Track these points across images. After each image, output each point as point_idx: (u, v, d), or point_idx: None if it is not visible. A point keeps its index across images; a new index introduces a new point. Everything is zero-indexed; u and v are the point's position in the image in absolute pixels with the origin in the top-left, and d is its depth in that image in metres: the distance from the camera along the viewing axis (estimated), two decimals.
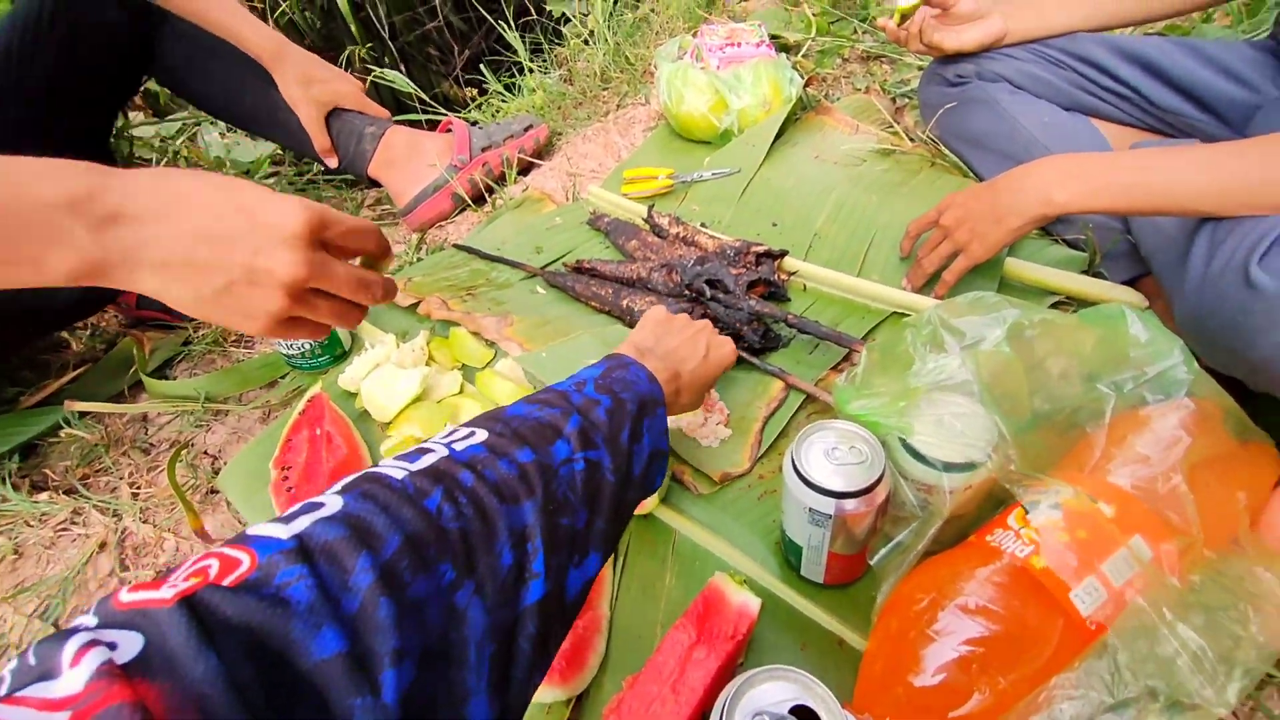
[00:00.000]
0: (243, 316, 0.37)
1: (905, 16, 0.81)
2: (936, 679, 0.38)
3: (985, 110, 0.80)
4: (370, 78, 1.31)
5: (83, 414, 0.64)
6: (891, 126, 0.97)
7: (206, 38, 0.83)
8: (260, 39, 0.83)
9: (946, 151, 0.89)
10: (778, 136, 0.95)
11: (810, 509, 0.43)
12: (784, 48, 1.16)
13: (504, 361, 0.68)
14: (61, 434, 0.62)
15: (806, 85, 1.04)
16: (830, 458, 0.43)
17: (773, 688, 0.32)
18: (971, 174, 0.86)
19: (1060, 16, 0.79)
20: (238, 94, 0.89)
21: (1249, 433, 0.45)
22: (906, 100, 1.03)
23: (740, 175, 0.92)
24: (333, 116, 0.92)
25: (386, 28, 1.88)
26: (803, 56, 1.14)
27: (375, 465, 0.29)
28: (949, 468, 0.42)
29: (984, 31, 0.79)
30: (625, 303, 0.73)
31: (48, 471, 0.61)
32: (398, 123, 0.97)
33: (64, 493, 0.59)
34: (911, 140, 0.95)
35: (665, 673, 0.39)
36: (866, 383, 0.47)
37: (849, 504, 0.42)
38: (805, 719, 0.32)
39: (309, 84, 0.87)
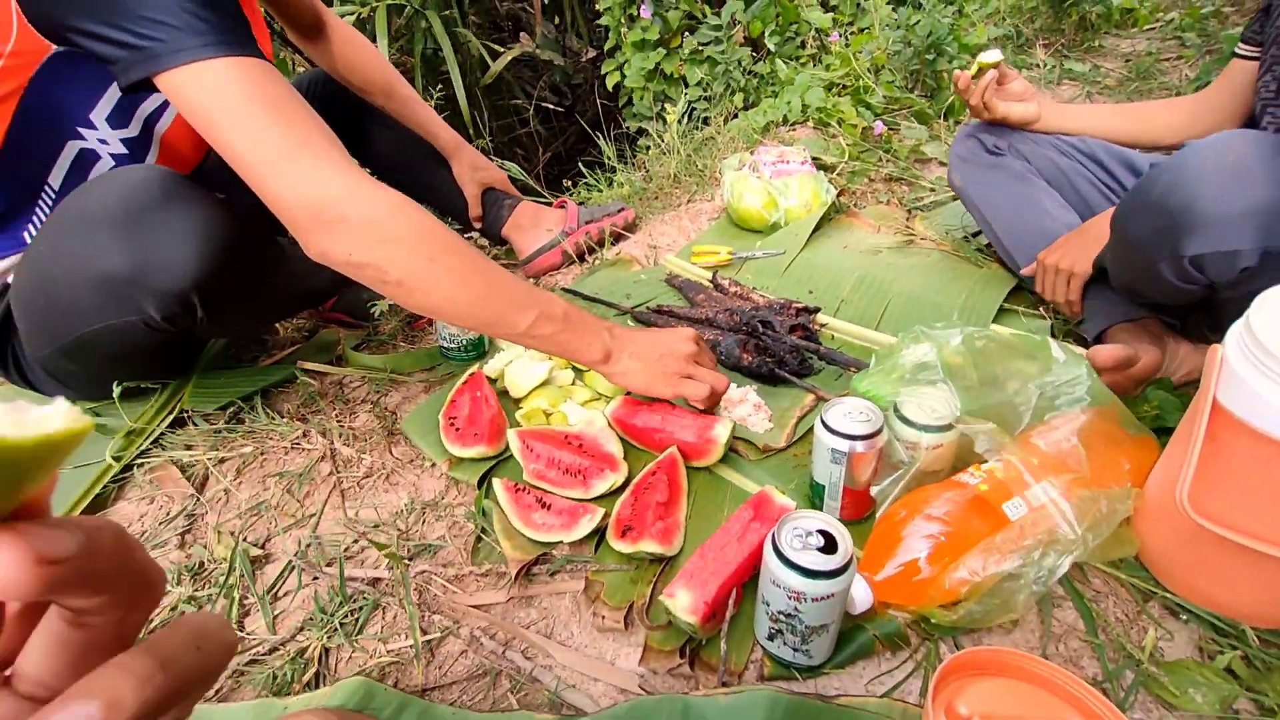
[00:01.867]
0: (664, 376, 0.72)
1: (982, 70, 1.02)
2: (907, 557, 0.57)
3: (1011, 179, 1.02)
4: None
5: (305, 371, 0.89)
6: (905, 229, 1.24)
7: (403, 130, 1.16)
8: (447, 136, 1.16)
9: (947, 246, 1.14)
10: (815, 230, 1.23)
11: (832, 449, 0.64)
12: (822, 166, 1.47)
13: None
14: (295, 383, 0.87)
15: (839, 195, 1.33)
16: (847, 416, 0.65)
17: (806, 519, 0.53)
18: (968, 259, 1.10)
19: (1081, 122, 1.01)
20: (417, 169, 1.21)
21: (1136, 429, 0.65)
22: (919, 211, 1.31)
23: (785, 255, 1.19)
24: (484, 193, 1.23)
25: (488, 130, 2.30)
26: (837, 174, 1.45)
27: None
28: (925, 429, 0.64)
29: (1025, 111, 1.01)
30: None
31: (283, 407, 0.85)
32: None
33: (295, 420, 0.83)
34: (920, 239, 1.21)
35: (732, 532, 0.59)
36: (871, 374, 0.69)
37: (859, 445, 0.63)
38: (828, 541, 0.52)
39: (475, 170, 1.19)
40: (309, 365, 0.89)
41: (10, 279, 0.75)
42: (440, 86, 1.98)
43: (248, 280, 0.71)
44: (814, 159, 1.42)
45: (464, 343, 0.94)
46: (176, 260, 0.62)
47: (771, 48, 1.85)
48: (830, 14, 2.02)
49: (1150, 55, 1.95)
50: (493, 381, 0.91)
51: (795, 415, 0.83)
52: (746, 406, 0.84)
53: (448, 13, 2.06)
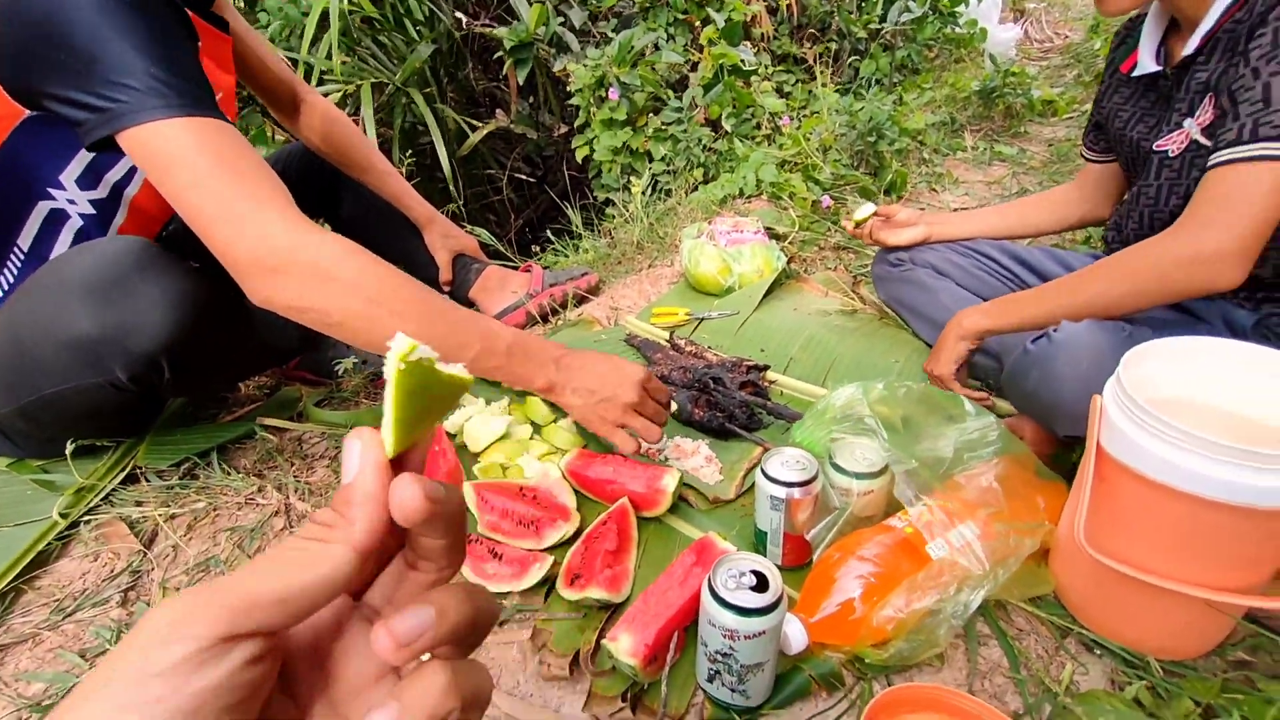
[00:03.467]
0: (600, 420, 0.75)
1: (860, 222, 1.19)
2: (841, 598, 0.60)
3: (918, 289, 1.15)
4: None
5: (265, 427, 0.90)
6: (851, 295, 1.33)
7: (377, 200, 1.22)
8: (420, 207, 1.22)
9: (889, 312, 1.23)
10: (767, 293, 1.31)
11: (771, 496, 0.68)
12: (775, 236, 1.57)
13: (565, 420, 0.95)
14: (254, 439, 0.88)
15: (790, 262, 1.42)
16: (785, 465, 0.69)
17: (740, 561, 0.56)
18: (906, 328, 1.19)
19: (966, 228, 1.16)
20: (390, 238, 1.26)
21: (1048, 475, 0.71)
22: (863, 277, 1.41)
23: (738, 316, 1.26)
24: (455, 259, 1.29)
25: (462, 197, 2.40)
26: (788, 243, 1.55)
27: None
28: (857, 475, 0.68)
29: (913, 235, 1.17)
30: None
31: (240, 463, 0.86)
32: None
33: (251, 475, 0.84)
34: (864, 304, 1.30)
35: (675, 576, 0.61)
36: (806, 424, 0.74)
37: (796, 491, 0.67)
38: (760, 580, 0.55)
39: (446, 238, 1.26)
40: (269, 421, 0.90)
41: None
42: (414, 156, 2.08)
43: (215, 342, 0.74)
44: (767, 229, 1.52)
45: None
46: (147, 324, 0.64)
47: (729, 128, 2.00)
48: (783, 100, 2.21)
49: (1069, 141, 2.16)
50: (452, 436, 0.93)
51: (744, 467, 0.87)
52: (698, 459, 0.87)
53: (428, 90, 2.19)
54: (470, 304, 1.32)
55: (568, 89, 2.26)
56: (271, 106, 1.08)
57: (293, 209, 0.65)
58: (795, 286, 1.37)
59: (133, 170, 0.80)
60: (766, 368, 1.07)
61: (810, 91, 2.48)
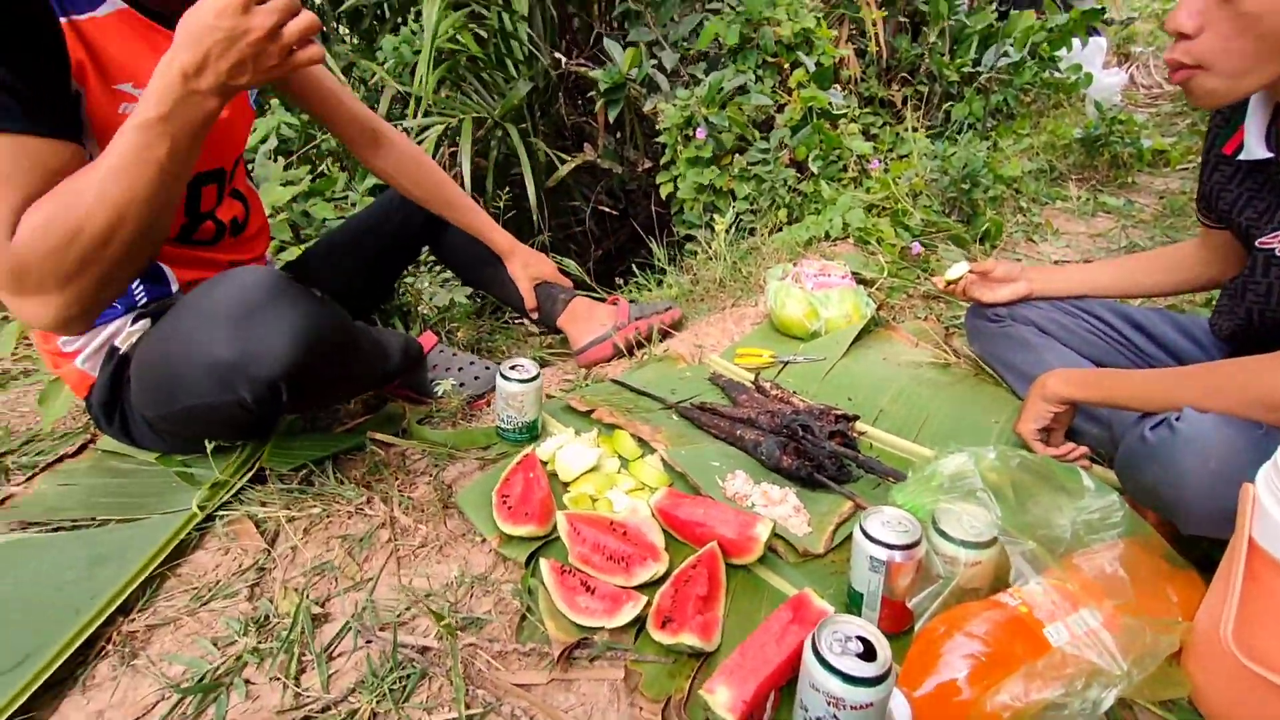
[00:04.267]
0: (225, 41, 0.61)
1: (952, 282, 1.16)
2: (946, 676, 0.58)
3: (1019, 346, 1.10)
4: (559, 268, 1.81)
5: (374, 440, 0.96)
6: (944, 347, 1.29)
7: (468, 235, 1.28)
8: (502, 239, 1.27)
9: (986, 368, 1.19)
10: (855, 340, 1.29)
11: (871, 557, 0.66)
12: (862, 281, 1.55)
13: (653, 456, 0.96)
14: (364, 452, 0.94)
15: (878, 309, 1.40)
16: (886, 525, 0.67)
17: (846, 624, 0.55)
18: (1004, 385, 1.14)
19: (1072, 286, 1.11)
20: (482, 267, 1.33)
21: (1178, 562, 0.66)
22: (956, 329, 1.37)
23: (826, 362, 1.24)
24: (538, 285, 1.34)
25: (546, 226, 2.49)
26: (876, 289, 1.53)
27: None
28: (964, 544, 0.66)
29: (1013, 292, 1.12)
30: (739, 432, 1.02)
31: (351, 473, 0.92)
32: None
33: (360, 486, 0.89)
34: (957, 357, 1.26)
35: (771, 632, 0.61)
36: (909, 486, 0.72)
37: (898, 555, 0.65)
38: (867, 648, 0.53)
39: (527, 267, 1.31)
40: (378, 436, 0.96)
41: (117, 341, 0.86)
42: (509, 190, 2.18)
43: (327, 368, 0.79)
44: (854, 274, 1.50)
45: (520, 425, 1.00)
46: (270, 352, 0.70)
47: (815, 170, 2.00)
48: (871, 142, 2.20)
49: (1184, 194, 2.04)
50: (544, 464, 0.96)
51: (834, 521, 0.86)
52: (786, 508, 0.86)
53: (523, 125, 2.31)
54: (558, 331, 1.37)
55: (655, 126, 2.33)
56: (349, 144, 1.11)
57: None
58: (884, 335, 1.34)
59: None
60: (856, 418, 1.05)
61: (898, 134, 2.46)
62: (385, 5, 2.53)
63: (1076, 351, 1.06)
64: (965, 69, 2.65)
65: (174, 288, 0.92)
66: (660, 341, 1.38)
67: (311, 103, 1.06)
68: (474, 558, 0.80)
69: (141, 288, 0.89)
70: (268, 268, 0.74)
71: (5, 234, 0.62)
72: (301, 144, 2.01)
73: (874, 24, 2.53)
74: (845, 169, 2.09)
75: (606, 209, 2.99)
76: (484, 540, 0.82)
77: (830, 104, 2.03)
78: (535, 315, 1.34)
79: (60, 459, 0.90)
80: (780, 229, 1.98)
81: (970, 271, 1.14)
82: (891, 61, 2.75)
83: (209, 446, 0.83)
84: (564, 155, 2.58)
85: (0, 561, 0.73)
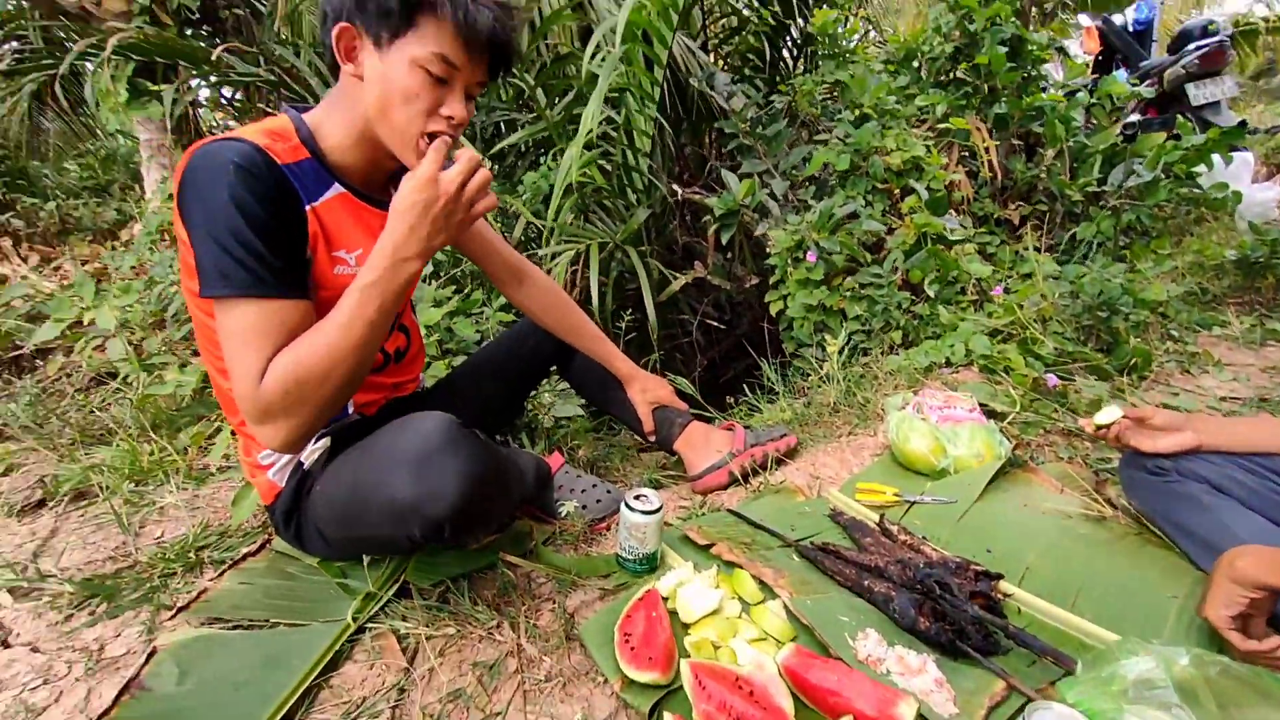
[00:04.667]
0: (424, 210, 0.77)
1: (1103, 426, 1.08)
2: None
3: (1191, 506, 0.96)
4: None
5: (505, 561, 1.01)
6: (1095, 497, 1.18)
7: (592, 360, 1.38)
8: (623, 365, 1.35)
9: (1149, 526, 1.07)
10: (990, 482, 1.21)
11: None
12: (991, 413, 1.47)
13: (775, 602, 0.94)
14: (495, 570, 0.99)
15: (1014, 448, 1.32)
16: None
17: None
18: (1177, 551, 1.01)
19: (1253, 439, 0.97)
20: (604, 390, 1.41)
21: None
22: (1109, 476, 1.25)
23: (957, 505, 1.17)
24: (656, 409, 1.39)
25: (656, 337, 2.60)
26: (1008, 423, 1.44)
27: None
28: None
29: (1177, 443, 0.99)
30: (866, 583, 0.97)
31: (483, 593, 0.96)
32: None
33: (490, 608, 0.93)
34: (1114, 509, 1.14)
35: None
36: (1083, 681, 0.65)
37: None
38: None
39: (645, 392, 1.37)
40: (508, 557, 1.01)
41: (303, 457, 0.98)
42: (630, 310, 2.33)
43: (486, 506, 0.85)
44: (982, 405, 1.44)
45: (640, 555, 1.02)
46: (442, 496, 0.77)
47: (931, 294, 1.99)
48: (989, 265, 2.15)
49: None
50: (664, 600, 0.96)
51: (985, 703, 0.78)
52: (926, 679, 0.80)
53: (642, 248, 2.49)
54: (674, 453, 1.40)
55: (764, 245, 2.43)
56: (496, 280, 1.27)
57: (256, 369, 0.76)
58: (1023, 477, 1.26)
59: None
60: (999, 577, 0.97)
61: (1018, 254, 2.40)
62: (526, 145, 2.90)
63: (1266, 517, 0.93)
64: (1089, 188, 2.58)
65: (350, 409, 1.06)
66: (776, 469, 1.37)
67: (472, 248, 1.23)
68: (597, 700, 0.80)
69: None
70: (442, 415, 0.82)
71: (257, 380, 0.76)
72: (450, 266, 2.28)
73: (986, 150, 2.55)
74: (963, 291, 2.06)
75: (713, 322, 3.09)
76: (606, 681, 0.82)
77: (947, 230, 2.04)
78: (653, 438, 1.39)
79: (244, 557, 1.02)
80: (894, 350, 1.95)
81: (1125, 417, 1.06)
82: (1006, 182, 2.73)
83: (365, 560, 0.92)
84: (675, 273, 2.74)
85: (192, 655, 0.83)
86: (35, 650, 0.86)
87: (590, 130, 2.04)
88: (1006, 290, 2.00)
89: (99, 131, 4.56)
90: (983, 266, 2.06)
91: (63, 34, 3.92)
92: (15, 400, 1.51)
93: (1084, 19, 3.30)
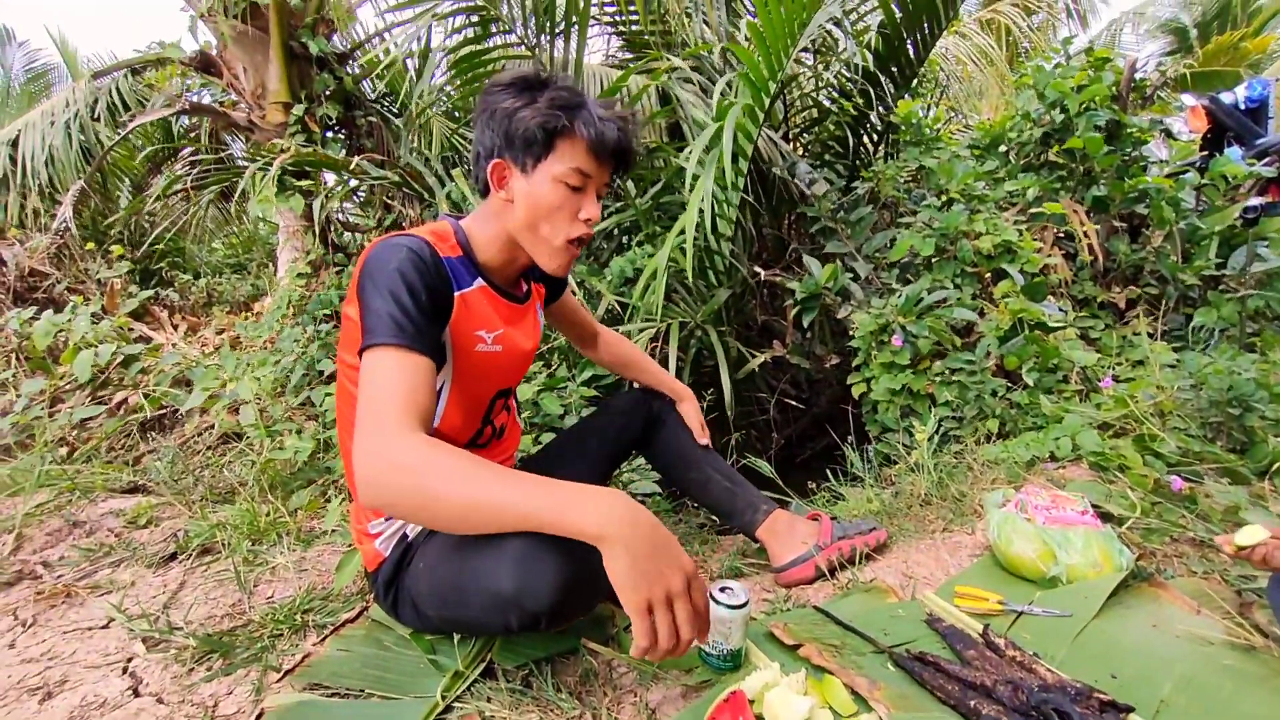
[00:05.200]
0: (634, 590, 0.71)
1: (1245, 548, 0.97)
2: None
3: None
4: (744, 464, 1.87)
5: (587, 647, 1.01)
6: (1241, 622, 1.04)
7: (674, 441, 1.40)
8: (675, 385, 1.44)
9: None
10: (1110, 596, 1.10)
11: None
12: (1106, 517, 1.35)
13: (871, 716, 0.88)
14: (577, 655, 0.99)
15: (1138, 559, 1.20)
16: None
17: None
18: None
19: None
20: (684, 470, 1.41)
21: None
22: (1255, 597, 1.11)
23: (1073, 620, 1.07)
24: (740, 491, 1.37)
25: (731, 414, 2.58)
26: (1127, 528, 1.32)
27: None
28: None
29: None
30: (973, 704, 0.89)
31: (565, 678, 0.96)
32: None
33: (572, 695, 0.92)
34: (1264, 637, 1.00)
35: None
36: None
37: None
38: None
39: (699, 410, 1.42)
40: (590, 644, 1.01)
41: (408, 529, 1.04)
42: (710, 390, 2.35)
43: (580, 598, 0.86)
44: (1094, 506, 1.32)
45: (725, 652, 0.99)
46: (543, 591, 0.79)
47: (1030, 382, 1.89)
48: (1094, 351, 2.03)
49: None
50: (750, 702, 0.92)
51: None
52: None
53: (722, 329, 2.53)
54: (757, 541, 1.37)
55: (845, 325, 2.41)
56: (576, 341, 1.45)
57: (411, 422, 0.77)
58: (1149, 593, 1.13)
59: (444, 375, 1.01)
60: (1129, 709, 0.87)
61: (1125, 339, 2.25)
62: (613, 230, 3.07)
63: None
64: (1206, 272, 2.41)
65: None
66: (865, 565, 1.30)
67: (564, 320, 1.38)
68: None
69: None
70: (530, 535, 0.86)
71: (405, 427, 0.77)
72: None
73: (1084, 233, 2.47)
74: (1066, 380, 1.94)
75: (790, 400, 3.05)
76: None
77: (1046, 317, 1.96)
78: (705, 442, 1.41)
79: (344, 623, 1.08)
80: (990, 440, 1.85)
81: (1273, 537, 0.95)
82: (1109, 264, 2.61)
83: (456, 638, 0.94)
84: (753, 352, 2.75)
85: None
86: (160, 701, 0.94)
87: (683, 231, 2.15)
88: (1116, 380, 1.87)
89: (245, 217, 5.26)
90: (1087, 354, 1.95)
91: (228, 137, 4.62)
92: (160, 458, 1.70)
93: (1187, 98, 3.19)
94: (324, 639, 1.04)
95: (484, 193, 1.02)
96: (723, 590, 0.99)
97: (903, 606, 1.16)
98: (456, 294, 0.97)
